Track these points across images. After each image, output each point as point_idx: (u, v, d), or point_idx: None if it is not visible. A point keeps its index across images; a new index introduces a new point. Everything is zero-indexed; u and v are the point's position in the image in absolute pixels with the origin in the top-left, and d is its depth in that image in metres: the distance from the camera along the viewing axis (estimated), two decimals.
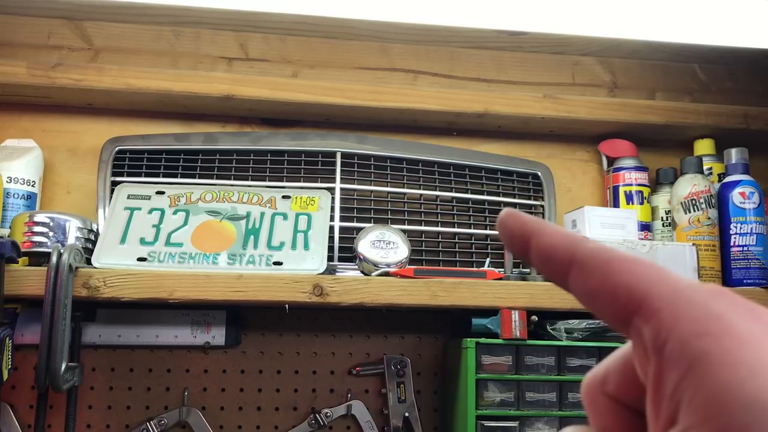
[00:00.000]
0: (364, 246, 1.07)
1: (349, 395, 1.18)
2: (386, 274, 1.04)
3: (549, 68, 1.37)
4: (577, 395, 1.04)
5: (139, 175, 1.16)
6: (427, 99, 1.24)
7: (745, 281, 1.16)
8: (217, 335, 1.13)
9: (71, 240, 1.01)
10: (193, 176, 1.17)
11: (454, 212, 1.22)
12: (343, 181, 1.18)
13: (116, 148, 1.16)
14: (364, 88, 1.23)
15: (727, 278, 1.18)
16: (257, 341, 1.19)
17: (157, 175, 1.16)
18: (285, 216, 1.10)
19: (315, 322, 1.21)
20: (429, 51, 1.34)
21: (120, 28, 1.26)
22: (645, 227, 1.27)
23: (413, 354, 1.21)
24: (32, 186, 1.14)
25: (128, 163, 1.16)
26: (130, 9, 1.22)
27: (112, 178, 1.14)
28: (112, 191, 1.12)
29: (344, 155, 1.20)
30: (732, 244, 1.18)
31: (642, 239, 1.24)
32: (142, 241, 1.04)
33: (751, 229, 1.17)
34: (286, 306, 1.00)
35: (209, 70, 1.26)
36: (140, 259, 1.02)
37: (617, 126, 1.31)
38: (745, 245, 1.17)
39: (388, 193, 1.20)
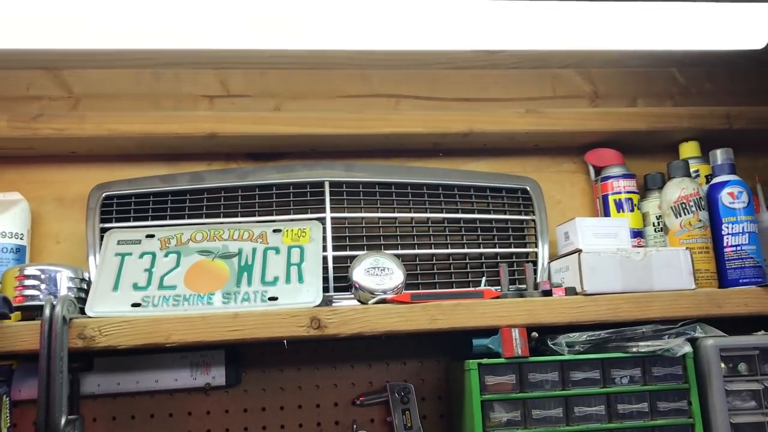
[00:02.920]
0: (359, 274, 1.06)
1: (355, 426, 1.17)
2: (383, 301, 1.03)
3: (529, 83, 1.38)
4: (583, 409, 1.03)
5: (127, 219, 1.15)
6: (411, 122, 1.24)
7: (740, 281, 1.16)
8: (217, 376, 1.12)
9: (63, 291, 1.00)
10: (182, 217, 1.16)
11: (447, 233, 1.22)
12: (333, 210, 1.18)
13: (103, 194, 1.16)
14: (348, 116, 1.23)
15: (723, 279, 1.18)
16: (258, 378, 1.17)
17: (146, 219, 1.15)
18: (277, 250, 1.09)
19: (315, 355, 1.20)
20: (410, 75, 1.34)
21: (99, 74, 1.26)
22: (637, 234, 1.27)
23: (416, 379, 1.20)
24: (21, 239, 1.14)
25: (116, 209, 1.16)
26: (107, 55, 1.22)
27: (101, 225, 1.14)
28: (102, 238, 1.11)
29: (332, 184, 1.20)
30: (725, 244, 1.18)
31: (635, 246, 1.24)
32: (135, 287, 1.03)
33: (743, 228, 1.17)
34: (284, 341, 0.99)
35: (191, 109, 1.26)
36: (134, 305, 1.01)
37: (601, 135, 1.32)
38: (738, 245, 1.17)
39: (380, 218, 1.20)
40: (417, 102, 1.33)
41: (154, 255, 1.08)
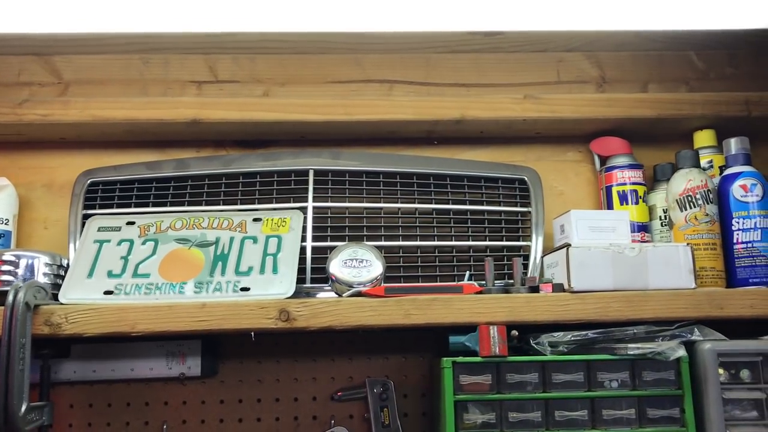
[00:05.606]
0: (336, 266, 1.02)
1: (333, 422, 1.13)
2: (359, 294, 0.99)
3: (532, 68, 1.31)
4: (565, 413, 0.97)
5: (111, 206, 1.14)
6: (402, 109, 1.20)
7: (750, 280, 1.08)
8: (192, 366, 1.11)
9: (40, 277, 1.00)
10: (165, 204, 1.14)
11: (434, 225, 1.17)
12: (316, 199, 1.14)
13: (88, 181, 1.15)
14: (336, 102, 1.20)
15: (732, 278, 1.10)
16: (235, 370, 1.15)
17: (128, 206, 1.14)
18: (255, 239, 1.07)
19: (294, 347, 1.17)
20: (404, 59, 1.29)
21: (89, 60, 1.26)
22: (642, 228, 1.19)
23: (399, 375, 1.16)
24: (6, 224, 1.14)
25: (101, 195, 1.15)
26: (98, 40, 1.21)
27: (84, 211, 1.13)
28: (84, 224, 1.10)
29: (317, 173, 1.16)
30: (735, 241, 1.10)
31: (639, 241, 1.16)
32: (110, 274, 1.02)
33: (755, 224, 1.09)
34: (252, 334, 0.96)
35: (179, 95, 1.25)
36: (107, 293, 1.00)
37: (608, 123, 1.24)
38: (749, 242, 1.09)
39: (364, 209, 1.15)
40: (411, 87, 1.28)
41: (131, 242, 1.06)
